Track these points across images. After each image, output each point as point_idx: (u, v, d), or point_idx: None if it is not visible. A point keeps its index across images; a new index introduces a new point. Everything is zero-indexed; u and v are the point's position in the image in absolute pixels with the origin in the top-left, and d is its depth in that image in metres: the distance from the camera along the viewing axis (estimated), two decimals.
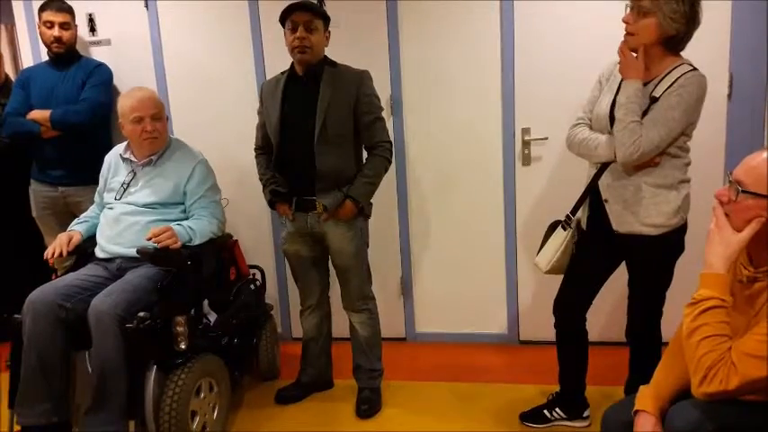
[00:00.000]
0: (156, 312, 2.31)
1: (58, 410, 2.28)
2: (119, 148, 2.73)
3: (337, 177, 2.51)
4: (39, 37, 3.24)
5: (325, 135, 2.46)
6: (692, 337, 1.47)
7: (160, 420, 2.28)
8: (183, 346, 2.38)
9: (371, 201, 2.64)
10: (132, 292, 2.32)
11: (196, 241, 2.52)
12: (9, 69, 3.68)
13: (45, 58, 3.28)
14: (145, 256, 2.38)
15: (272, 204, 2.67)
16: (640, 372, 2.24)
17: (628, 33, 2.06)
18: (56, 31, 3.09)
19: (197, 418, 2.40)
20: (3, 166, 3.32)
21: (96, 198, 2.80)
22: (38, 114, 3.04)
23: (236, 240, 2.98)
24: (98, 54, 3.38)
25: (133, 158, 2.64)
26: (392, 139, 3.02)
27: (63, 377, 2.31)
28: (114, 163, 2.71)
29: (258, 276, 3.09)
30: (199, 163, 2.66)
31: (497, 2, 2.97)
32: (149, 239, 2.37)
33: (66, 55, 3.15)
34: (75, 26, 3.21)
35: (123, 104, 2.57)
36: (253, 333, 2.94)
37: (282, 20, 2.47)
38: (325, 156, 2.48)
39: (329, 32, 2.54)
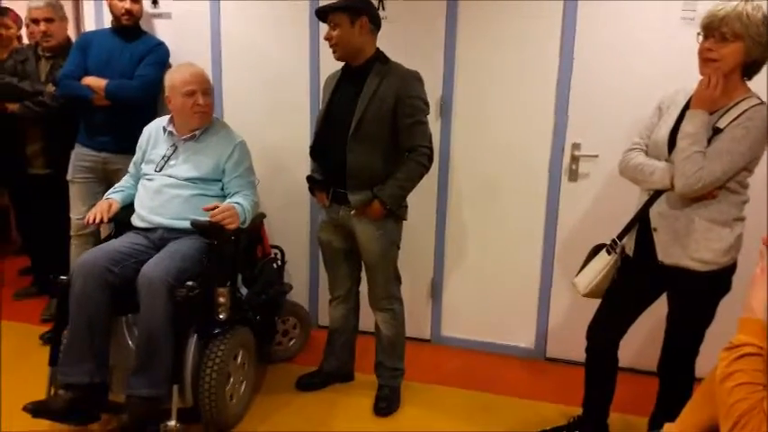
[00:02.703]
0: (201, 282, 2.36)
1: (99, 371, 2.34)
2: (160, 121, 2.77)
3: (368, 176, 2.49)
4: (105, 6, 3.27)
5: (360, 132, 2.45)
6: (725, 382, 1.43)
7: (200, 387, 2.36)
8: (222, 317, 2.45)
9: (407, 204, 2.62)
10: (181, 260, 2.39)
11: (247, 223, 2.59)
12: (71, 33, 3.74)
13: (107, 25, 3.31)
14: (198, 228, 2.45)
15: (311, 190, 2.72)
16: (668, 407, 2.18)
17: (710, 60, 1.98)
18: (127, 4, 3.12)
19: (230, 382, 2.49)
20: (52, 132, 3.38)
21: (131, 169, 2.83)
22: (93, 82, 3.08)
23: (263, 220, 3.02)
24: (158, 26, 3.42)
25: (175, 132, 2.68)
26: (437, 140, 3.03)
27: (106, 339, 2.38)
28: (155, 135, 2.74)
29: (279, 256, 3.13)
30: (239, 143, 2.71)
31: (560, 11, 2.91)
32: (211, 212, 2.42)
33: (132, 28, 3.19)
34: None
35: (174, 78, 2.61)
36: (274, 311, 2.98)
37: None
38: (356, 153, 2.47)
39: (364, 21, 2.44)
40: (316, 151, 2.64)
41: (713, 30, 1.96)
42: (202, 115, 2.64)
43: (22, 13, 3.76)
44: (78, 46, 3.23)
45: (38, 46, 3.42)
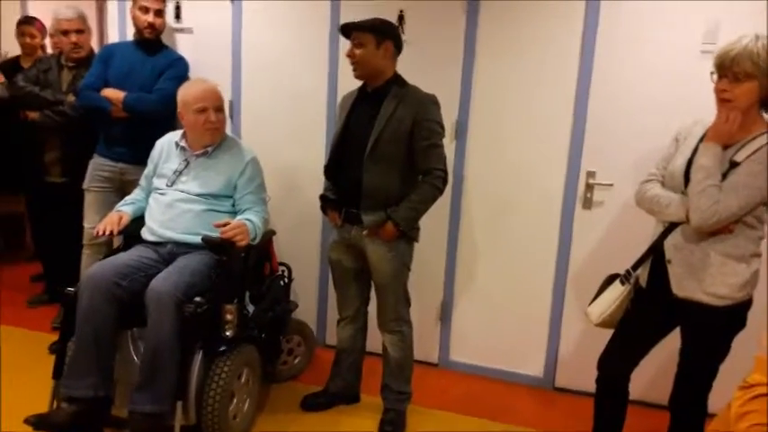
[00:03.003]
0: (209, 298, 2.36)
1: (104, 385, 2.32)
2: (173, 135, 2.77)
3: (383, 197, 2.49)
4: (128, 17, 3.32)
5: (375, 154, 2.46)
6: (740, 422, 1.41)
7: (203, 404, 2.34)
8: (229, 334, 2.43)
9: (419, 226, 2.61)
10: (190, 276, 2.39)
11: (258, 240, 2.59)
12: (95, 45, 3.80)
13: (130, 37, 3.36)
14: (209, 244, 2.44)
15: (323, 209, 2.71)
16: None
17: (724, 100, 1.97)
18: (150, 17, 3.15)
19: (234, 402, 2.47)
20: (71, 141, 3.42)
21: (142, 182, 2.84)
22: (112, 93, 3.12)
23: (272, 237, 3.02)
24: (180, 40, 3.47)
25: (188, 147, 2.68)
26: (451, 163, 3.03)
27: (111, 353, 2.37)
28: (167, 149, 2.75)
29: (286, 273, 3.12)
30: (252, 160, 2.71)
31: (578, 38, 2.91)
32: (222, 229, 2.41)
33: (153, 41, 3.23)
34: (165, 13, 3.28)
35: (187, 94, 2.62)
36: (280, 329, 2.96)
37: None
38: (372, 174, 2.47)
39: (389, 45, 2.48)
40: (330, 170, 2.65)
41: (725, 69, 1.95)
42: (214, 132, 2.64)
43: (46, 22, 3.84)
44: (100, 58, 3.28)
45: (61, 55, 3.48)
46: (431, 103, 2.52)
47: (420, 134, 2.47)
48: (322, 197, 2.70)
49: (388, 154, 2.47)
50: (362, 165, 2.47)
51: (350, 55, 2.49)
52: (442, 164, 2.52)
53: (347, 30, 2.51)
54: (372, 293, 2.75)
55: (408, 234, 2.56)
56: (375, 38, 2.46)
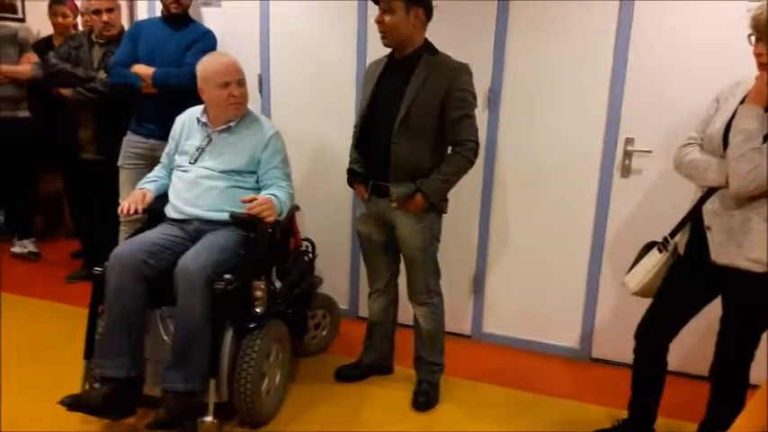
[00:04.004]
0: (238, 275, 2.35)
1: (135, 365, 2.32)
2: (194, 111, 2.72)
3: (413, 169, 2.46)
4: None
5: (406, 125, 2.41)
6: None
7: (235, 382, 2.34)
8: (259, 310, 2.43)
9: (447, 198, 2.58)
10: (219, 253, 2.37)
11: (284, 215, 2.56)
12: (125, 22, 3.82)
13: (159, 13, 3.36)
14: (237, 220, 2.42)
15: (350, 183, 2.69)
16: (720, 415, 2.12)
17: (763, 64, 1.89)
18: None
19: (265, 381, 2.47)
20: (104, 119, 3.45)
21: (164, 159, 2.80)
22: (141, 69, 3.13)
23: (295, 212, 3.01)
24: (207, 15, 3.46)
25: (210, 123, 2.65)
26: (484, 133, 2.98)
27: (142, 332, 2.37)
28: (188, 126, 2.71)
29: (310, 248, 3.11)
30: (275, 134, 2.66)
31: (617, 3, 2.81)
32: (248, 205, 2.38)
33: (181, 16, 3.22)
34: None
35: (207, 69, 2.57)
36: (307, 304, 2.97)
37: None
38: (401, 146, 2.43)
39: (420, 12, 2.40)
40: (358, 141, 2.61)
41: (761, 33, 1.87)
42: (238, 106, 2.59)
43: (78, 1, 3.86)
44: (130, 35, 3.30)
45: (91, 32, 3.50)
46: (463, 72, 2.45)
47: (452, 104, 2.41)
48: (349, 171, 2.67)
49: (419, 125, 2.42)
50: (391, 136, 2.43)
51: (379, 21, 2.43)
52: (473, 135, 2.47)
53: None
54: (402, 266, 2.73)
55: (437, 206, 2.53)
56: (405, 3, 2.38)
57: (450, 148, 2.50)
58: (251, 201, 2.41)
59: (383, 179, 2.51)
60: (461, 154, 2.45)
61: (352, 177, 2.66)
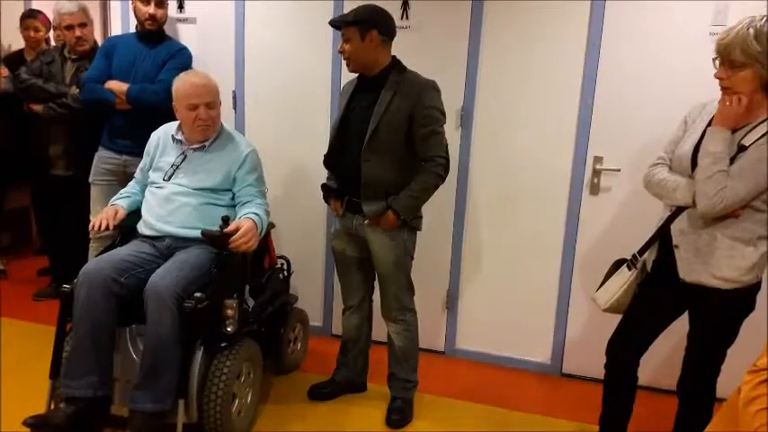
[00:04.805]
0: (209, 294, 2.32)
1: (103, 384, 2.28)
2: (169, 128, 2.70)
3: (383, 186, 2.47)
4: (130, 9, 3.30)
5: (374, 143, 2.43)
6: (749, 406, 1.39)
7: (205, 402, 2.30)
8: (230, 330, 2.40)
9: (421, 214, 2.60)
10: (190, 270, 2.35)
11: (263, 233, 2.54)
12: (98, 38, 3.79)
13: (133, 29, 3.34)
14: (209, 238, 2.40)
15: (325, 199, 2.70)
16: (687, 428, 2.17)
17: (724, 88, 1.95)
18: (151, 9, 3.13)
19: (236, 402, 2.43)
20: (76, 134, 3.42)
21: (138, 175, 2.78)
22: (115, 86, 3.11)
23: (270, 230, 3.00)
24: (183, 30, 3.45)
25: (185, 141, 2.63)
26: (456, 151, 3.02)
27: (110, 351, 2.32)
28: (163, 142, 2.68)
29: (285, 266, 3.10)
30: (251, 152, 2.65)
31: (586, 24, 2.88)
32: (233, 238, 2.34)
33: (155, 33, 3.21)
34: (167, 4, 3.26)
35: (178, 89, 2.55)
36: (280, 322, 2.95)
37: None
38: (371, 164, 2.45)
39: (374, 35, 2.40)
40: (330, 160, 2.63)
41: (723, 57, 1.92)
42: (205, 129, 2.57)
43: (50, 15, 3.82)
44: (104, 50, 3.26)
45: (64, 47, 3.47)
46: (429, 88, 2.48)
47: (419, 121, 2.44)
48: (324, 186, 2.68)
49: (387, 144, 2.44)
50: (361, 155, 2.45)
51: (341, 51, 2.47)
52: (442, 151, 2.49)
53: (335, 25, 2.49)
54: (376, 282, 2.74)
55: (410, 223, 2.55)
56: (359, 30, 2.41)
57: (421, 164, 2.53)
58: (235, 232, 2.36)
59: (357, 196, 2.52)
60: (431, 170, 2.47)
61: (327, 193, 2.67)
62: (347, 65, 2.50)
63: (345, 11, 2.87)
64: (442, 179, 2.50)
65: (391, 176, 2.47)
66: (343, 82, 3.11)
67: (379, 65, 2.49)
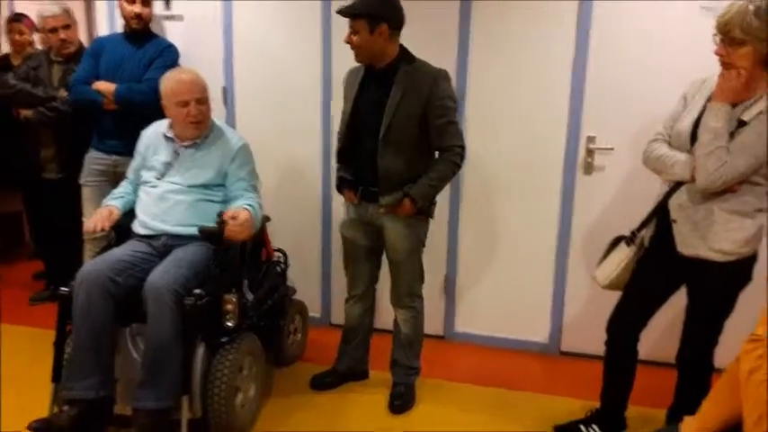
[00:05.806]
0: (208, 289, 2.33)
1: (105, 384, 2.29)
2: (160, 126, 2.69)
3: (399, 178, 2.48)
4: (116, 9, 3.27)
5: (389, 136, 2.43)
6: (754, 374, 1.42)
7: (208, 397, 2.31)
8: (231, 324, 2.40)
9: (435, 202, 2.61)
10: (187, 268, 2.34)
11: (258, 226, 2.55)
12: (84, 38, 3.76)
13: (119, 29, 3.32)
14: (205, 234, 2.39)
15: (339, 189, 2.70)
16: (687, 399, 2.19)
17: (725, 64, 1.96)
18: (137, 8, 3.11)
19: (239, 396, 2.44)
20: (66, 137, 3.40)
21: (130, 175, 2.76)
22: (103, 86, 3.09)
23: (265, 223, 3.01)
24: (169, 28, 3.43)
25: (176, 139, 2.62)
26: None
27: (111, 351, 2.33)
28: (155, 141, 2.67)
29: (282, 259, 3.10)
30: (242, 146, 2.64)
31: (575, 2, 2.89)
32: (229, 225, 2.33)
33: (141, 31, 3.18)
34: (153, 2, 3.23)
35: (166, 86, 2.54)
36: (280, 315, 2.96)
37: None
38: (387, 156, 2.45)
39: (384, 28, 2.37)
40: (344, 154, 2.61)
41: (723, 34, 1.94)
42: (197, 125, 2.56)
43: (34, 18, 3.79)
44: (91, 51, 3.25)
45: (50, 51, 3.45)
46: (441, 79, 2.46)
47: (434, 113, 2.43)
48: (339, 178, 2.66)
49: (402, 137, 2.44)
50: (377, 149, 2.45)
51: (348, 41, 2.44)
52: (459, 140, 2.50)
53: (340, 14, 2.44)
54: (382, 273, 2.74)
55: (425, 211, 2.56)
56: (368, 23, 2.37)
57: (437, 153, 2.53)
58: (233, 218, 2.35)
59: (373, 185, 2.52)
60: (448, 159, 2.48)
61: (342, 184, 2.66)
62: (355, 55, 2.46)
63: (334, 5, 2.86)
64: (459, 167, 2.52)
65: (407, 168, 2.48)
66: (334, 74, 3.13)
67: (388, 56, 2.46)
